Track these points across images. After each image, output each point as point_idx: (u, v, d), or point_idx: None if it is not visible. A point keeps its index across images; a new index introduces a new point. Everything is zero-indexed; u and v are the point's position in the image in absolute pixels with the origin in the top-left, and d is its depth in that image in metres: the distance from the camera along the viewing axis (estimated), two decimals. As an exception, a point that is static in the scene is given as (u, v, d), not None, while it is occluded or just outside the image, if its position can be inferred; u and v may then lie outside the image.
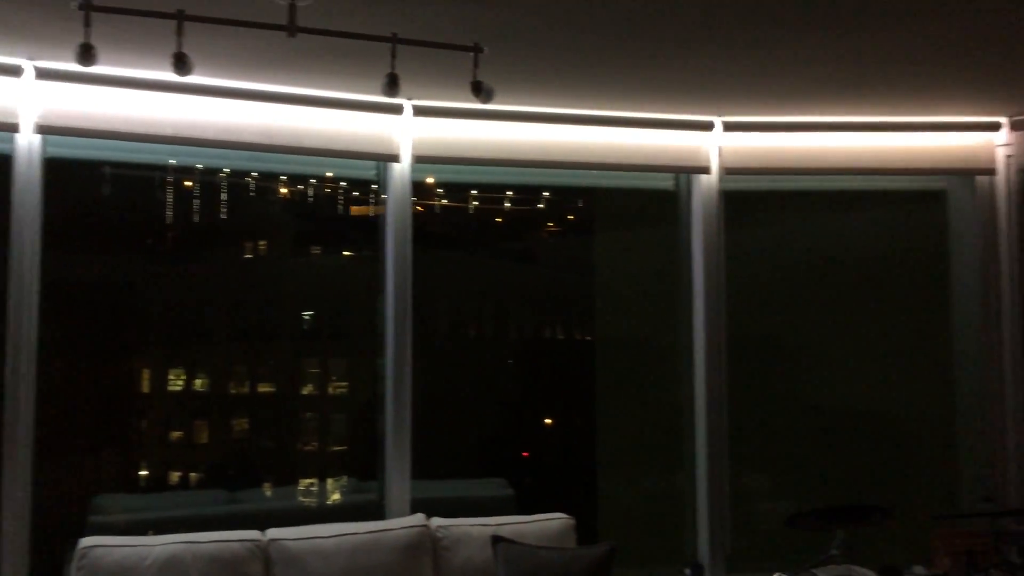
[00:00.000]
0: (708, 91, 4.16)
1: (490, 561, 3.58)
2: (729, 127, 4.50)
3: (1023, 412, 4.51)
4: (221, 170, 5.20)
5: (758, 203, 4.95)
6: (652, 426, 4.90)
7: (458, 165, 4.41)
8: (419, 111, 4.11)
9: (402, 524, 3.69)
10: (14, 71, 3.49)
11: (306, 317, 6.58)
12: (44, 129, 3.58)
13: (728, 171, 4.55)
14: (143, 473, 5.68)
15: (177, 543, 3.35)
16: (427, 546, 3.63)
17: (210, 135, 3.86)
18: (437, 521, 3.75)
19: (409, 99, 4.07)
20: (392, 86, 3.24)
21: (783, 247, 5.03)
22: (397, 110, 4.07)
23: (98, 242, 5.16)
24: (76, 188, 4.46)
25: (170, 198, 5.28)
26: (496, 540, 3.59)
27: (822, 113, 4.46)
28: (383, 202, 4.29)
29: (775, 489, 4.85)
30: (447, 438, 5.27)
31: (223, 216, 5.68)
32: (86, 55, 3.10)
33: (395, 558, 3.52)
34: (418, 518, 3.75)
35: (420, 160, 4.19)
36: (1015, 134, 4.62)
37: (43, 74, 3.51)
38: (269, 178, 5.56)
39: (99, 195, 4.78)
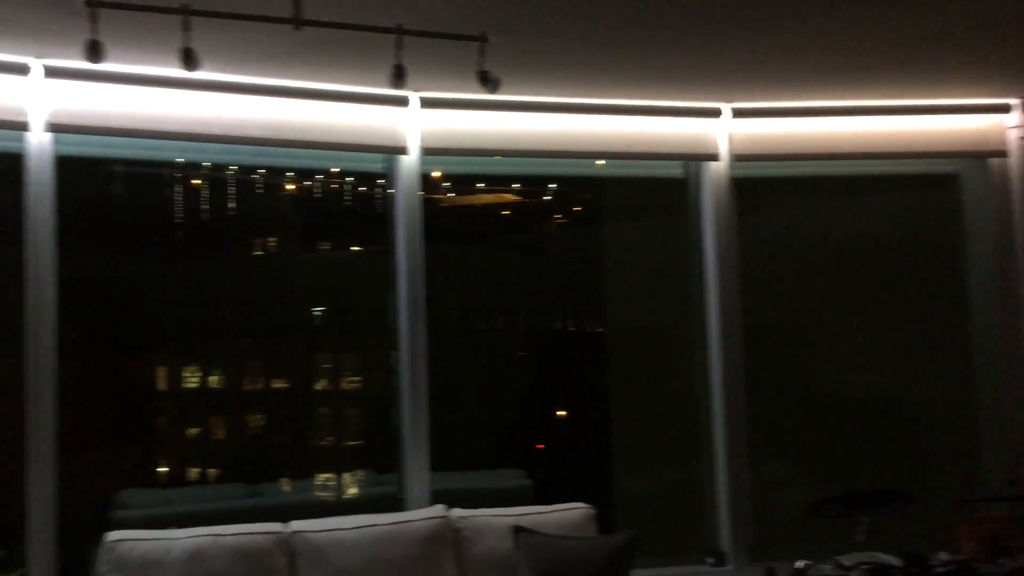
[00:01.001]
0: (716, 77, 4.15)
1: (511, 551, 3.59)
2: (738, 113, 4.49)
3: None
4: (229, 167, 5.21)
5: (769, 189, 4.93)
6: (667, 415, 4.89)
7: (465, 156, 4.40)
8: (426, 103, 4.11)
9: (423, 515, 3.70)
10: (22, 70, 3.49)
11: (317, 312, 6.58)
12: (54, 127, 3.58)
13: (738, 158, 4.54)
14: (162, 469, 5.72)
15: (201, 536, 3.37)
16: (448, 537, 3.64)
17: (218, 131, 3.87)
18: (457, 512, 3.76)
19: (416, 91, 4.06)
20: (399, 78, 3.24)
21: (795, 233, 5.01)
22: (403, 102, 4.07)
23: (110, 240, 5.17)
24: (87, 186, 4.47)
25: (180, 195, 5.29)
26: (517, 530, 3.60)
27: (832, 98, 4.45)
28: (391, 195, 4.28)
29: (794, 477, 4.83)
30: (461, 430, 5.27)
31: (232, 213, 5.69)
32: (94, 52, 3.10)
33: (416, 549, 3.53)
34: (438, 509, 3.76)
35: (428, 152, 4.18)
36: (1027, 115, 4.60)
37: (52, 72, 3.52)
38: (277, 174, 5.57)
39: (110, 193, 4.80)
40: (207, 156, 4.62)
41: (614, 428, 5.06)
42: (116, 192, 4.85)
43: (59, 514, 3.56)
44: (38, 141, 3.59)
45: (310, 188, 5.85)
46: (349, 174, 5.55)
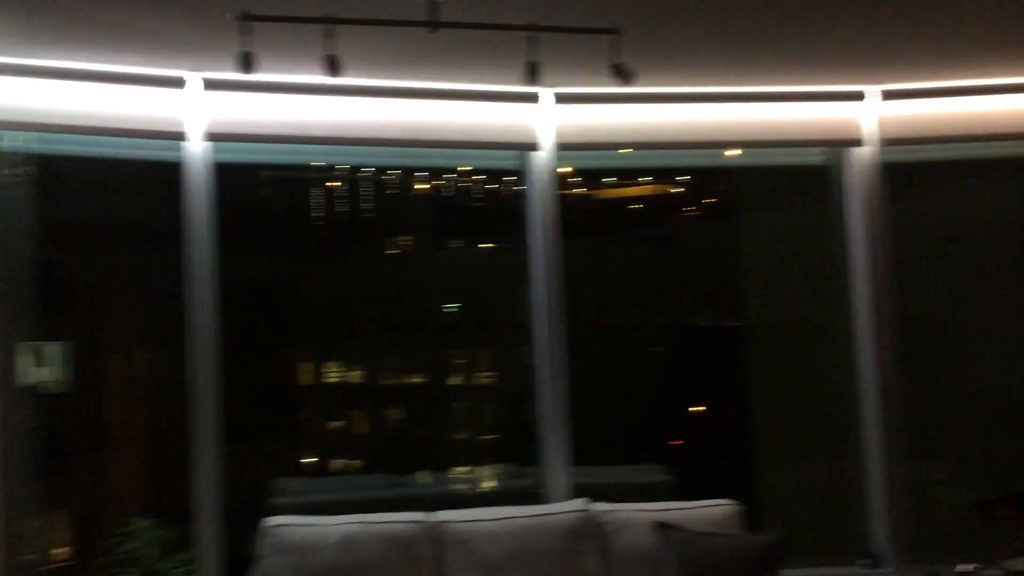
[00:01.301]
0: (858, 59, 3.97)
1: (655, 546, 3.56)
2: (889, 95, 4.26)
3: None
4: (364, 168, 5.38)
5: (922, 174, 4.67)
6: (811, 411, 4.72)
7: (598, 150, 4.38)
8: (559, 98, 4.12)
9: (565, 508, 3.71)
10: (179, 83, 3.72)
11: (450, 309, 6.70)
12: (211, 136, 3.80)
13: (888, 142, 4.31)
14: (308, 460, 5.97)
15: (353, 523, 3.51)
16: (590, 531, 3.64)
17: (357, 134, 4.00)
18: (599, 506, 3.75)
19: (549, 87, 4.07)
20: (533, 74, 3.26)
21: (951, 221, 4.74)
22: (536, 99, 4.09)
23: (258, 242, 5.43)
24: (237, 191, 4.71)
25: (319, 198, 5.51)
26: (660, 526, 3.56)
27: (987, 75, 4.17)
28: (524, 192, 4.31)
29: (954, 476, 4.58)
30: (596, 426, 5.26)
31: (367, 213, 5.87)
32: (247, 63, 3.27)
33: (559, 542, 3.55)
34: (580, 503, 3.76)
35: (562, 147, 4.19)
36: None
37: (208, 85, 3.73)
38: (410, 174, 5.71)
39: (258, 197, 5.05)
40: (346, 159, 4.78)
41: (755, 424, 4.93)
42: (263, 196, 5.09)
43: (222, 499, 3.79)
44: (196, 150, 3.81)
45: (441, 187, 5.97)
46: (480, 172, 5.63)
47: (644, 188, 5.52)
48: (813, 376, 4.78)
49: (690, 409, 5.95)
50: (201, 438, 3.77)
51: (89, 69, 3.57)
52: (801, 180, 4.75)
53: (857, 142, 4.36)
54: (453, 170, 5.60)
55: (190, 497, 3.79)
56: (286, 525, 3.50)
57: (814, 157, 4.60)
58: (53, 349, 5.09)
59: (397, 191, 5.76)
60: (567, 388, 4.16)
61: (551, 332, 4.18)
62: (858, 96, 4.29)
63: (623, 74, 3.11)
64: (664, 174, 5.30)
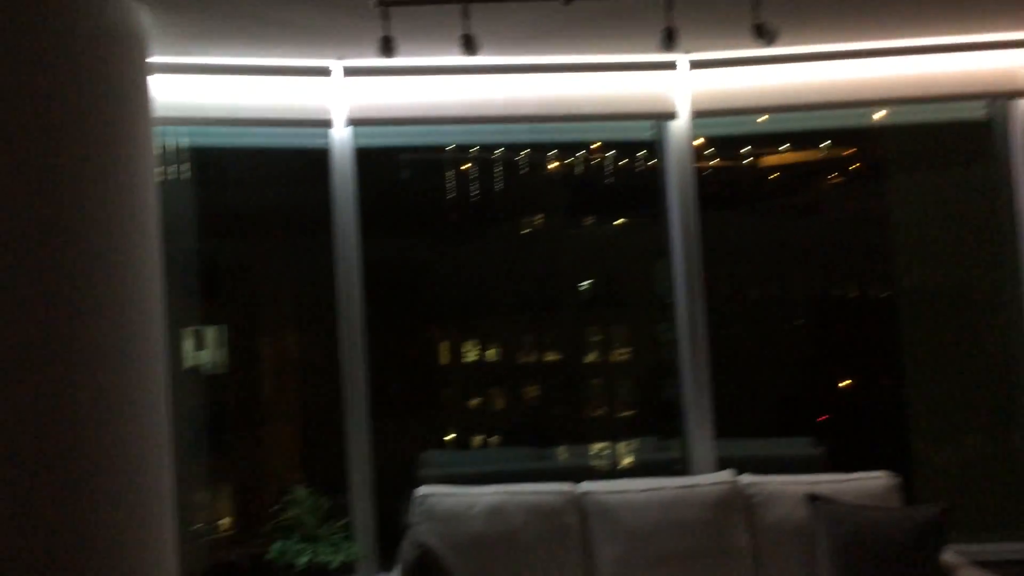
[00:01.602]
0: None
1: (806, 519, 3.46)
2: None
3: None
4: (498, 148, 5.44)
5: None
6: (973, 383, 4.46)
7: (737, 116, 4.25)
8: (695, 65, 4.03)
9: (711, 480, 3.66)
10: (325, 72, 3.86)
11: (584, 286, 6.70)
12: (354, 122, 3.93)
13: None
14: (449, 437, 6.12)
15: (500, 494, 3.58)
16: (738, 503, 3.57)
17: (492, 112, 4.04)
18: (746, 478, 3.68)
19: (685, 53, 3.99)
20: (670, 40, 3.21)
21: None
22: (671, 67, 4.02)
23: (395, 225, 5.59)
24: (377, 175, 4.87)
25: (454, 180, 5.61)
26: (812, 498, 3.46)
27: None
28: (659, 164, 4.25)
29: None
30: (740, 399, 5.15)
31: (502, 193, 5.93)
32: (387, 47, 3.36)
33: (706, 513, 3.51)
34: (726, 475, 3.70)
35: (699, 115, 4.10)
36: None
37: (349, 71, 3.86)
38: (542, 153, 5.73)
39: (396, 180, 5.19)
40: (480, 138, 4.83)
41: (910, 396, 4.70)
42: (401, 179, 5.23)
43: (373, 471, 3.95)
44: (340, 136, 3.95)
45: (573, 165, 5.97)
46: (612, 147, 5.58)
47: (783, 156, 5.34)
48: (974, 345, 4.51)
49: (838, 382, 5.74)
50: (352, 414, 3.94)
51: (242, 63, 3.77)
52: (959, 137, 4.47)
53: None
54: (585, 146, 5.58)
55: (343, 469, 3.97)
56: (435, 495, 3.61)
57: (974, 112, 4.31)
58: (211, 333, 5.42)
59: (530, 170, 5.80)
60: (709, 361, 4.09)
61: (692, 306, 4.11)
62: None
63: (765, 34, 3.02)
64: (805, 139, 5.10)
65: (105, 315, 2.65)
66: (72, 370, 2.57)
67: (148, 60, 3.07)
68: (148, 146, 2.89)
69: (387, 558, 3.93)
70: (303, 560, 3.72)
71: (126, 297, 2.72)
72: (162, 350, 2.91)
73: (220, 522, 5.45)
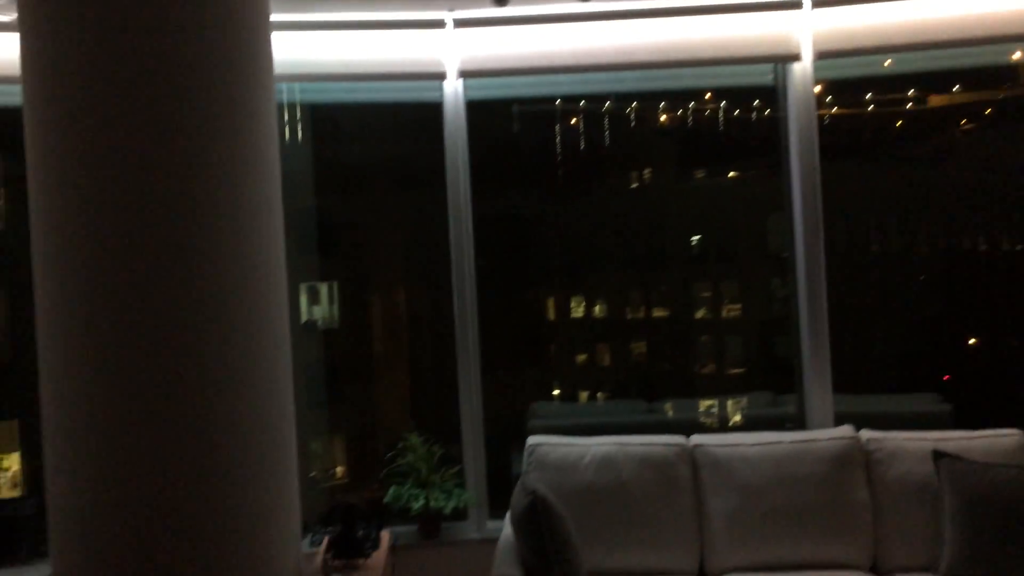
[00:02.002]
0: None
1: (930, 477, 3.33)
2: None
3: None
4: (608, 99, 5.35)
5: None
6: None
7: (862, 56, 4.04)
8: (818, 2, 3.84)
9: (828, 435, 3.56)
10: (438, 24, 3.87)
11: (694, 241, 6.59)
12: (465, 74, 3.94)
13: None
14: (556, 392, 6.17)
15: (610, 444, 3.58)
16: (858, 458, 3.47)
17: (605, 60, 3.96)
18: (867, 434, 3.56)
19: (808, -10, 3.82)
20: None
21: None
22: (795, 5, 3.84)
23: (504, 178, 5.61)
24: (485, 129, 4.89)
25: (564, 133, 5.57)
26: (938, 455, 3.33)
27: None
28: (779, 112, 4.10)
29: None
30: (859, 355, 4.99)
31: (612, 146, 5.86)
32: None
33: (823, 469, 3.42)
34: (846, 429, 3.59)
35: (822, 56, 3.91)
36: None
37: (461, 23, 3.86)
38: (654, 104, 5.61)
39: (504, 133, 5.19)
40: (591, 88, 4.76)
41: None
42: (510, 132, 5.22)
43: (483, 422, 4.02)
44: (452, 88, 3.97)
45: (683, 115, 5.83)
46: (724, 96, 5.41)
47: (910, 101, 5.07)
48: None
49: (965, 339, 5.47)
50: (464, 367, 4.00)
51: (356, 19, 3.81)
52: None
53: None
54: (697, 96, 5.43)
55: (454, 419, 4.05)
56: (546, 444, 3.64)
57: None
58: (324, 289, 5.60)
59: (639, 122, 5.70)
60: (827, 316, 3.96)
61: (811, 260, 3.97)
62: None
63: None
64: (934, 82, 4.82)
65: (234, 269, 2.76)
66: (206, 320, 2.70)
67: (269, 18, 3.14)
68: (270, 104, 2.97)
69: (496, 505, 4.01)
70: (417, 505, 3.83)
71: (253, 252, 2.82)
72: (285, 305, 3.02)
73: (335, 470, 5.67)
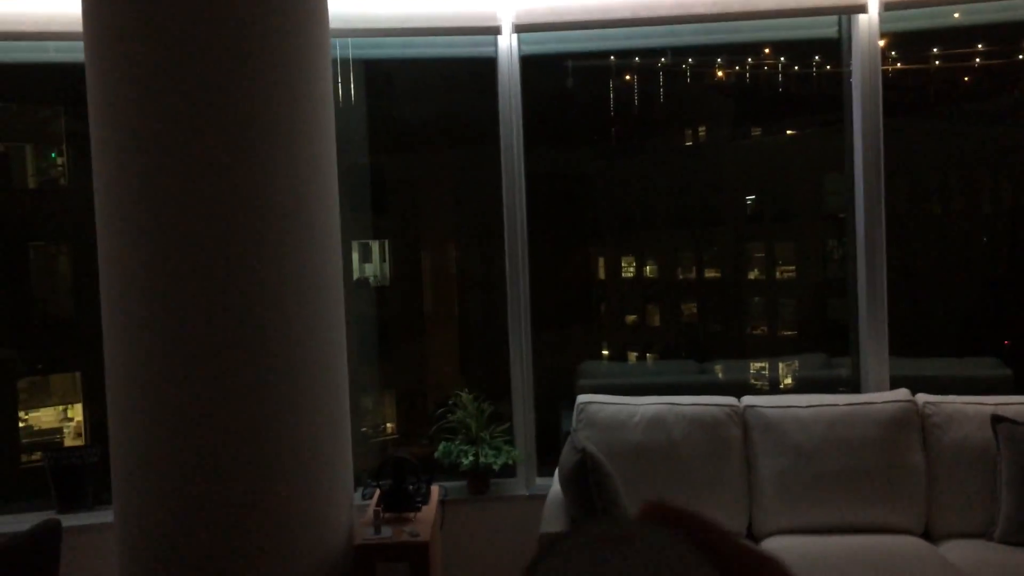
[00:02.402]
0: None
1: (989, 441, 3.26)
2: None
3: None
4: (663, 54, 5.25)
5: None
6: None
7: (930, 7, 3.89)
8: (886, -49, 3.70)
9: (884, 398, 3.50)
10: (494, -23, 3.81)
11: (748, 201, 6.48)
12: (520, 28, 3.88)
13: None
14: (605, 352, 6.16)
15: (660, 404, 3.57)
16: (914, 422, 3.41)
17: (663, 12, 3.87)
18: (923, 397, 3.49)
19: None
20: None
21: None
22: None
23: (557, 135, 5.55)
24: (538, 84, 4.84)
25: (618, 89, 5.48)
26: (997, 419, 3.25)
27: None
28: (841, 67, 3.97)
29: None
30: (918, 317, 4.88)
31: (664, 102, 5.76)
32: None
33: (878, 432, 3.36)
34: (902, 393, 3.53)
35: (889, 7, 3.77)
36: None
37: (515, -24, 3.80)
38: (711, 59, 5.48)
39: (557, 89, 5.13)
40: (646, 42, 4.66)
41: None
42: (565, 88, 5.16)
43: (533, 379, 4.03)
44: (507, 43, 3.92)
45: (740, 71, 5.69)
46: (782, 51, 5.26)
47: (979, 55, 4.88)
48: None
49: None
50: (514, 325, 4.00)
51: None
52: None
53: None
54: (755, 50, 5.30)
55: (503, 377, 4.06)
56: (596, 403, 3.64)
57: None
58: (376, 247, 5.64)
59: (696, 78, 5.59)
60: (886, 279, 3.86)
61: (871, 221, 3.87)
62: None
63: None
64: (1004, 35, 4.63)
65: (292, 227, 2.79)
66: (263, 279, 2.74)
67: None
68: (325, 59, 2.97)
69: (545, 462, 4.04)
70: (467, 461, 3.87)
71: (310, 209, 2.85)
72: (339, 262, 3.05)
73: (385, 426, 5.76)
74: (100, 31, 2.72)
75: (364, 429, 4.96)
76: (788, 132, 6.24)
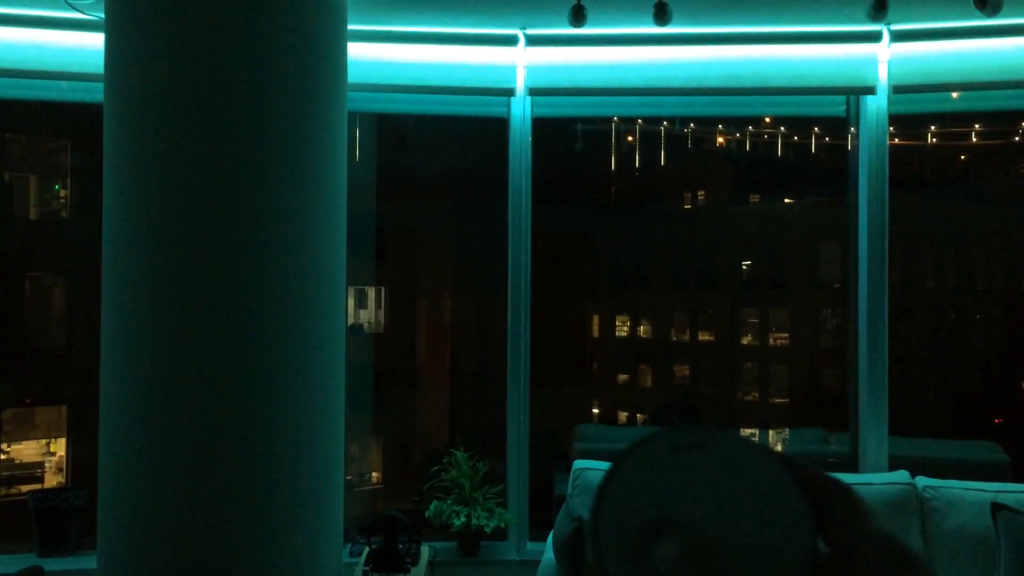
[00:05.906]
0: None
1: (988, 530, 3.24)
2: None
3: None
4: (668, 120, 5.32)
5: None
6: None
7: (937, 92, 3.97)
8: (897, 36, 3.77)
9: (883, 480, 3.48)
10: (511, 40, 3.85)
11: (744, 266, 6.52)
12: (535, 91, 3.91)
13: None
14: (595, 411, 6.13)
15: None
16: (913, 506, 3.38)
17: (677, 84, 3.91)
18: (923, 481, 3.48)
19: (887, 24, 3.75)
20: (880, 9, 3.03)
21: None
22: (873, 38, 3.78)
23: (557, 195, 5.59)
24: (544, 146, 4.88)
25: (620, 152, 5.54)
26: (997, 507, 3.24)
27: None
28: (848, 141, 4.04)
29: None
30: (912, 394, 4.89)
31: (664, 166, 5.82)
32: (578, 15, 3.34)
33: (876, 514, 3.33)
34: (902, 475, 3.51)
35: (898, 90, 3.84)
36: None
37: (532, 40, 3.84)
38: (713, 127, 5.56)
39: (561, 151, 5.18)
40: (652, 111, 4.72)
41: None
42: (572, 150, 5.21)
43: (529, 440, 3.98)
44: (520, 105, 3.95)
45: (740, 139, 5.78)
46: (783, 123, 5.35)
47: (976, 136, 4.98)
48: None
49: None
50: (514, 381, 3.96)
51: (430, 32, 3.81)
52: None
53: None
54: (754, 122, 5.38)
55: (496, 434, 4.00)
56: (592, 469, 3.59)
57: None
58: (372, 293, 5.62)
59: (697, 143, 5.67)
60: (887, 353, 3.87)
61: (873, 294, 3.89)
62: None
63: (988, 6, 2.79)
64: (1002, 119, 4.73)
65: (298, 273, 2.78)
66: (266, 323, 2.72)
67: (346, 27, 3.16)
68: (342, 111, 2.98)
69: (535, 526, 3.97)
70: (459, 522, 3.81)
71: (317, 253, 2.84)
72: (343, 307, 3.02)
73: (371, 475, 5.68)
74: (123, 74, 2.73)
75: (349, 477, 4.89)
76: (786, 200, 6.31)
